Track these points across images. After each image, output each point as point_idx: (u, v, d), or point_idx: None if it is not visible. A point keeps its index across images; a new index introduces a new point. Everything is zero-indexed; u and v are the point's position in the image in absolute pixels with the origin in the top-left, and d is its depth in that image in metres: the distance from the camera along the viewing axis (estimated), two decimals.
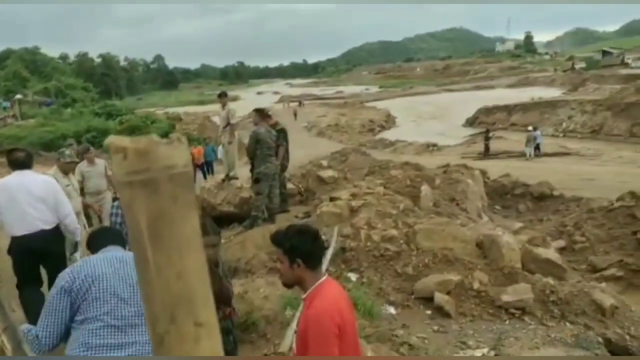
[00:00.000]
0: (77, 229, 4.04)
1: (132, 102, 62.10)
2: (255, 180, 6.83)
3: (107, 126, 24.42)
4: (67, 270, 2.30)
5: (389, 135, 33.62)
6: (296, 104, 54.96)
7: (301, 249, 1.87)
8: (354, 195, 7.04)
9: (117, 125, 24.60)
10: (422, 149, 25.04)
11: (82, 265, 2.24)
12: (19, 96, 37.94)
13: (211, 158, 16.56)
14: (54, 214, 3.73)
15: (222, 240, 7.15)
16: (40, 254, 3.72)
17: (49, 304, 2.28)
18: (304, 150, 16.88)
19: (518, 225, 9.20)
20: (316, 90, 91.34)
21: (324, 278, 1.94)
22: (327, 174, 9.06)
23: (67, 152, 5.11)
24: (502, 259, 4.83)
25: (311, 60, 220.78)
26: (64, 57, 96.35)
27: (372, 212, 5.68)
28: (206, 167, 16.43)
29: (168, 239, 0.46)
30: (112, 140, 0.44)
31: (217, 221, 8.44)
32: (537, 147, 19.77)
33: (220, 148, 17.85)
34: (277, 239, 1.95)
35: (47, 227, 3.67)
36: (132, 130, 22.76)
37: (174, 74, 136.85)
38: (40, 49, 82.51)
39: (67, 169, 5.01)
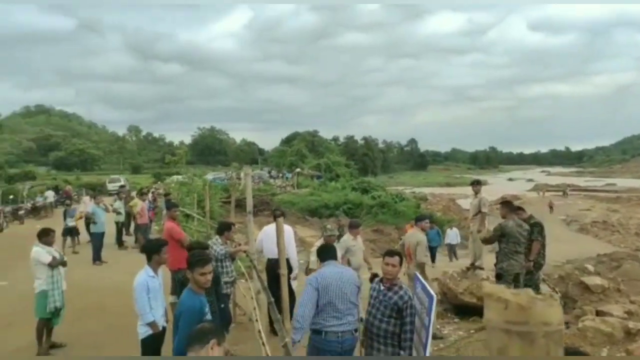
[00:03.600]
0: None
1: (384, 180, 67.41)
2: (497, 277, 6.42)
3: (361, 200, 26.98)
4: (314, 276, 4.06)
5: None
6: (552, 193, 49.52)
7: None
8: (629, 314, 5.78)
9: (370, 200, 26.89)
10: None
11: (321, 273, 4.02)
12: (298, 170, 46.04)
13: (437, 243, 16.13)
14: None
15: (462, 332, 6.80)
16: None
17: (304, 298, 3.84)
18: (563, 247, 14.88)
19: None
20: (579, 181, 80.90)
21: None
22: (593, 281, 7.72)
23: (329, 226, 5.93)
24: None
25: (575, 147, 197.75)
26: (335, 139, 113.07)
27: None
28: (430, 251, 15.91)
29: None
30: (493, 290, 0.50)
31: (456, 310, 8.12)
32: None
33: (454, 232, 17.42)
34: None
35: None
36: (383, 206, 24.53)
37: (425, 156, 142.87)
38: (318, 132, 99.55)
39: (329, 242, 5.83)
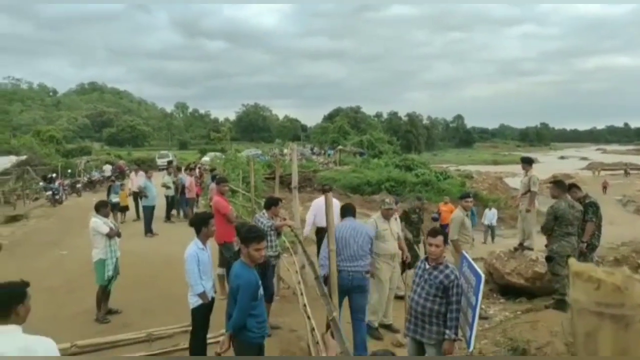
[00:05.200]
0: None
1: (428, 157, 66.03)
2: (547, 259, 6.20)
3: (404, 177, 26.58)
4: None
5: None
6: (610, 172, 46.88)
7: None
8: None
9: (414, 178, 26.48)
10: None
11: (338, 227, 5.02)
12: (340, 147, 45.90)
13: (472, 223, 15.73)
14: None
15: (508, 314, 6.67)
16: None
17: (323, 244, 4.73)
18: (618, 229, 14.16)
19: None
20: (638, 159, 76.09)
21: None
22: None
23: (387, 200, 5.89)
24: None
25: (635, 124, 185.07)
26: (378, 115, 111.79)
27: None
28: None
29: None
30: (583, 269, 0.46)
31: (502, 290, 7.95)
32: None
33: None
34: None
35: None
36: (427, 184, 24.11)
37: (471, 133, 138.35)
38: (361, 108, 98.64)
39: (387, 215, 5.78)
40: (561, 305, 5.72)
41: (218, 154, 40.77)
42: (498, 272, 7.89)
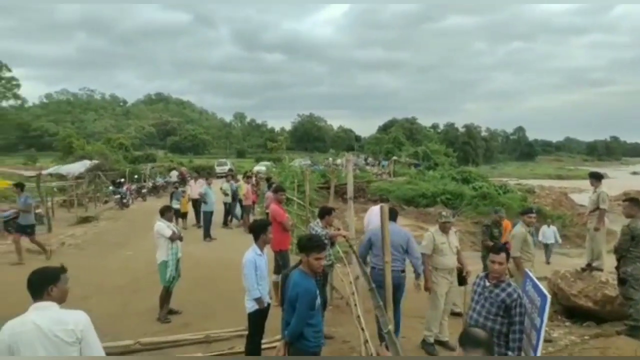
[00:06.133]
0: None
1: (486, 170, 63.68)
2: (621, 281, 5.79)
3: (461, 190, 25.81)
4: (371, 231, 6.02)
5: None
6: None
7: None
8: None
9: (471, 191, 25.66)
10: None
11: (374, 230, 5.71)
12: (395, 157, 45.41)
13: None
14: None
15: (574, 337, 6.28)
16: None
17: (361, 244, 5.94)
18: None
19: None
20: None
21: None
22: None
23: (444, 213, 5.78)
24: None
25: None
26: (434, 127, 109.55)
27: None
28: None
29: None
30: None
31: (567, 313, 7.49)
32: None
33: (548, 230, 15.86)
34: None
35: None
36: (485, 198, 23.27)
37: (533, 145, 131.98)
38: (416, 119, 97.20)
39: (444, 228, 5.66)
40: (635, 332, 5.33)
41: (268, 163, 41.70)
42: (563, 293, 7.46)
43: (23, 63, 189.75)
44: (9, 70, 56.60)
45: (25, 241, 10.41)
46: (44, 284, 2.65)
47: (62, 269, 2.81)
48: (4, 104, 58.21)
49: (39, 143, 72.14)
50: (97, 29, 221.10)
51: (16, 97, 58.88)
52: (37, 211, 16.10)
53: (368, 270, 5.47)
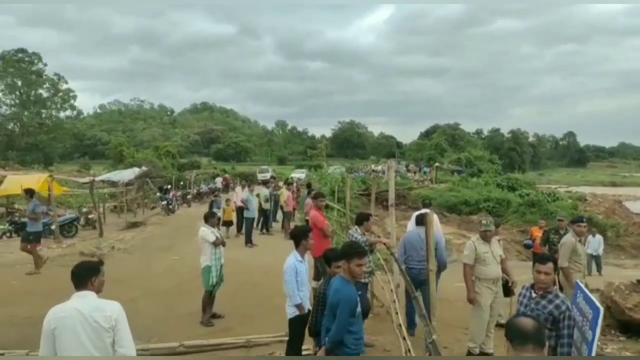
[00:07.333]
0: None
1: (534, 177, 61.32)
2: None
3: (506, 197, 25.02)
4: (404, 236, 6.60)
5: None
6: None
7: None
8: None
9: (517, 198, 24.82)
10: None
11: (407, 234, 6.53)
12: (437, 164, 44.62)
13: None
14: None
15: (629, 354, 5.93)
16: None
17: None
18: None
19: None
20: None
21: None
22: None
23: (484, 221, 5.62)
24: None
25: None
26: (478, 132, 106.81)
27: None
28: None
29: None
30: None
31: (621, 327, 7.08)
32: None
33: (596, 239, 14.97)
34: None
35: None
36: (532, 205, 22.44)
37: (585, 151, 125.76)
38: (460, 125, 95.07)
39: (485, 237, 5.52)
40: None
41: (305, 170, 42.10)
42: (618, 307, 7.06)
43: (80, 76, 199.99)
44: (66, 82, 60.04)
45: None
46: (88, 274, 2.93)
47: (101, 262, 3.17)
48: (62, 114, 61.64)
49: (92, 151, 76.20)
50: (149, 42, 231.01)
51: (72, 108, 62.27)
52: (90, 216, 16.99)
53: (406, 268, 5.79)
